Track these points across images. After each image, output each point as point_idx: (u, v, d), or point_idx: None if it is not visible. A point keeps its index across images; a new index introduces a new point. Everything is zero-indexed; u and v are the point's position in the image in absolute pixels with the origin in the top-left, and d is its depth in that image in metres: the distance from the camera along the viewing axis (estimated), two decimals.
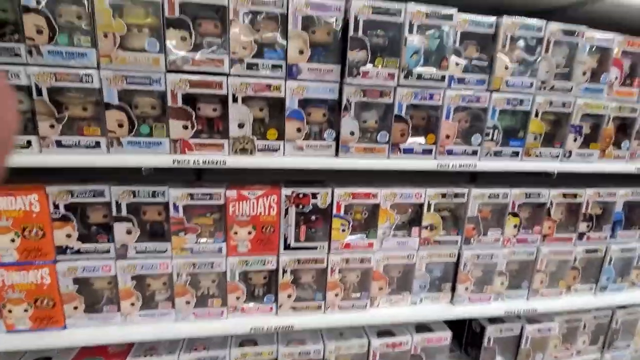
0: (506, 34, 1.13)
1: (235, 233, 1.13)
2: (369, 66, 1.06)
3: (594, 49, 1.25)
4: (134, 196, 1.06)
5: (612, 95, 1.31)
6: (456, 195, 1.26)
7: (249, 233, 1.14)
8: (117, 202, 1.06)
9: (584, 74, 1.25)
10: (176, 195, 1.07)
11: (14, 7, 0.91)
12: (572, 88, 1.24)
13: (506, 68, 1.16)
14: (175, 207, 1.08)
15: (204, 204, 1.10)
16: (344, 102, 1.08)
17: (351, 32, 1.02)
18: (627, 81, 1.34)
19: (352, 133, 1.11)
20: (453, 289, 1.35)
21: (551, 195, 1.33)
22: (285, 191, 1.13)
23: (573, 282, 1.47)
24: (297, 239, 1.18)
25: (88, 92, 0.97)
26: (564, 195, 1.35)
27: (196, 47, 0.99)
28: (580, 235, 1.41)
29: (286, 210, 1.14)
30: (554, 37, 1.17)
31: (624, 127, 1.39)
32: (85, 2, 0.92)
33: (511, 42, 1.15)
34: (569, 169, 1.30)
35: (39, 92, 0.94)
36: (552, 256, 1.39)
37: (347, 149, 1.12)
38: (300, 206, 1.15)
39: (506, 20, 1.12)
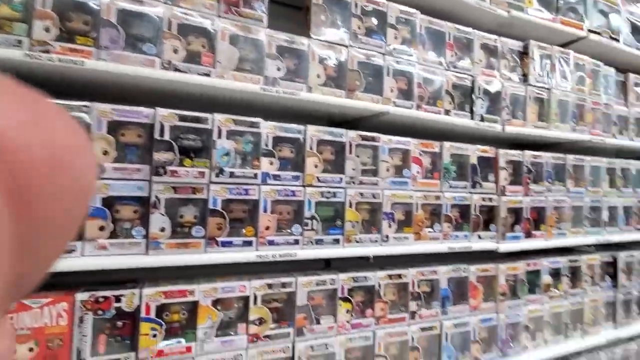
0: (312, 139, 1.33)
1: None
2: (178, 166, 1.12)
3: (394, 150, 1.53)
4: None
5: (417, 187, 1.56)
6: (284, 285, 1.28)
7: (30, 350, 0.97)
8: None
9: (388, 170, 1.49)
10: None
11: None
12: (378, 182, 1.45)
13: (315, 166, 1.33)
14: None
15: None
16: (153, 199, 1.10)
17: (157, 136, 1.10)
18: (428, 175, 1.63)
19: (162, 229, 1.11)
20: None
21: (378, 277, 1.44)
22: (81, 296, 1.03)
23: None
24: (94, 352, 1.03)
25: None
26: (390, 277, 1.47)
27: None
28: (412, 314, 1.50)
29: (81, 318, 1.02)
30: (354, 142, 1.41)
31: (435, 212, 1.63)
32: None
33: (319, 146, 1.35)
34: (388, 252, 1.44)
35: None
36: (389, 338, 1.44)
37: (157, 245, 1.10)
38: (100, 312, 1.04)
39: (310, 128, 1.33)
